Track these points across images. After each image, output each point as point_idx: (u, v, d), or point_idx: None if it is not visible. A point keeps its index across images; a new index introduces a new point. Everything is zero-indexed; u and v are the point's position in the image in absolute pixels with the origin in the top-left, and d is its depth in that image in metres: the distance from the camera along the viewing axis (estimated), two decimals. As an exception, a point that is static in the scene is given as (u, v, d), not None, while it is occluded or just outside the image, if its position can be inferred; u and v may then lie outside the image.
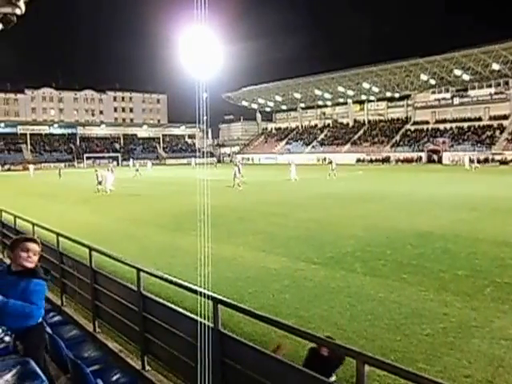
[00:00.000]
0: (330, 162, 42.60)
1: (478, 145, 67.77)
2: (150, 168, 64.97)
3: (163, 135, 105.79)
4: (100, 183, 31.00)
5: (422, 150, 72.29)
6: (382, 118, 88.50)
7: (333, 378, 3.33)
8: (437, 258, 10.71)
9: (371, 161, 75.02)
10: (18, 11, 6.17)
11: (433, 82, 78.14)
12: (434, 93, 79.97)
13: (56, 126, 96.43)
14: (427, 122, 79.37)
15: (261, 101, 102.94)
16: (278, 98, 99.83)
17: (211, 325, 3.86)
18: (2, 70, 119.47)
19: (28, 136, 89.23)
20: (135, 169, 50.59)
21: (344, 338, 6.23)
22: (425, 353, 5.82)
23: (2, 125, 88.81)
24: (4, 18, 6.33)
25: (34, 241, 3.79)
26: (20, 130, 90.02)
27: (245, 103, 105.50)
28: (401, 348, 6.01)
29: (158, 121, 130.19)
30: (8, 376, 3.54)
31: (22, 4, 6.12)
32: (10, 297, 3.40)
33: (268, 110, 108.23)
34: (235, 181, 32.60)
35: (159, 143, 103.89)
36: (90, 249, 6.12)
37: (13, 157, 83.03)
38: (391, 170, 53.21)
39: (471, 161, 52.57)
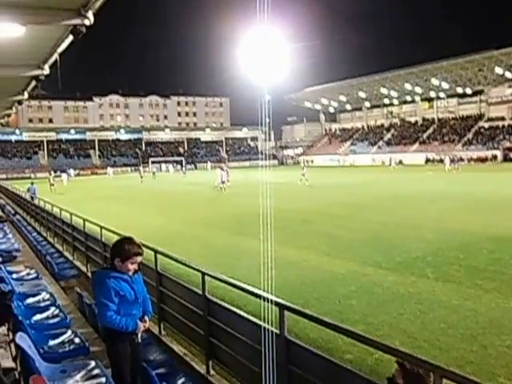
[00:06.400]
0: (303, 168, 39.04)
1: (561, 141, 63.29)
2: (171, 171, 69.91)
3: (226, 138, 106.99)
4: (52, 185, 39.78)
5: (498, 148, 68.33)
6: (452, 115, 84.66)
7: None
8: (516, 263, 10.03)
9: (441, 161, 72.00)
10: (86, 22, 6.40)
11: (509, 75, 73.70)
12: (510, 87, 75.36)
13: (122, 131, 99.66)
14: (503, 118, 74.92)
15: (324, 101, 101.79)
16: (342, 98, 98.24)
17: (277, 331, 3.78)
18: (73, 79, 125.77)
19: (96, 142, 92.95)
20: (152, 172, 62.40)
21: (415, 347, 5.95)
22: (506, 366, 5.43)
23: (73, 131, 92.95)
24: (74, 29, 6.59)
25: (142, 254, 4.01)
26: (89, 136, 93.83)
27: (308, 104, 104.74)
28: (478, 360, 5.65)
29: (221, 124, 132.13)
30: (78, 377, 3.67)
31: (90, 15, 6.35)
32: (141, 290, 4.04)
33: (332, 110, 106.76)
34: (223, 184, 33.56)
35: (222, 146, 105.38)
36: (156, 251, 6.21)
37: (82, 162, 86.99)
38: (464, 169, 50.87)
39: (452, 161, 52.81)
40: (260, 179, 32.18)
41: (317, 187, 33.74)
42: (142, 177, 53.89)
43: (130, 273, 3.92)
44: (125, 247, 3.91)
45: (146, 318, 4.05)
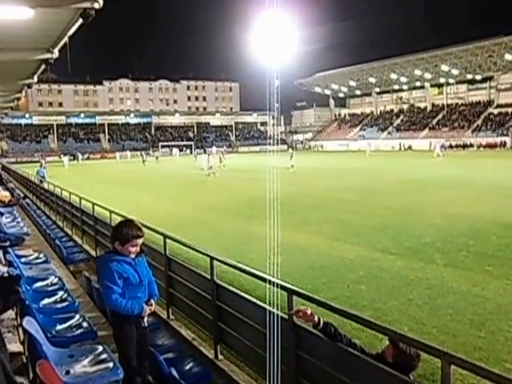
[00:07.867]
0: (292, 155, 36.96)
1: None
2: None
3: (236, 123, 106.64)
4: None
5: (507, 135, 67.68)
6: (462, 101, 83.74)
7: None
8: (526, 249, 9.95)
9: (451, 146, 71.32)
10: (96, 5, 6.32)
11: (519, 61, 72.53)
12: (520, 73, 74.23)
13: (132, 115, 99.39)
14: (512, 105, 74.04)
15: (334, 86, 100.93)
16: (352, 83, 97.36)
17: (285, 316, 3.76)
18: (83, 63, 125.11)
19: (106, 126, 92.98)
20: (155, 157, 63.07)
21: (423, 332, 5.95)
22: (514, 352, 5.40)
23: (82, 115, 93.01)
24: (83, 12, 6.52)
25: (142, 236, 3.93)
26: (98, 120, 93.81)
27: (318, 89, 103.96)
28: (486, 346, 5.64)
29: (231, 109, 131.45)
30: (85, 361, 3.69)
31: (100, -2, 6.26)
32: (145, 273, 4.00)
33: (341, 95, 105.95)
34: (211, 169, 33.75)
35: (232, 131, 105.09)
36: (165, 236, 6.20)
37: (92, 146, 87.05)
38: (473, 155, 50.33)
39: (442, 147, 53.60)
40: (268, 164, 32.06)
41: (322, 171, 33.61)
42: (144, 161, 53.93)
43: (132, 255, 3.87)
44: (123, 230, 3.86)
45: (152, 300, 4.02)
